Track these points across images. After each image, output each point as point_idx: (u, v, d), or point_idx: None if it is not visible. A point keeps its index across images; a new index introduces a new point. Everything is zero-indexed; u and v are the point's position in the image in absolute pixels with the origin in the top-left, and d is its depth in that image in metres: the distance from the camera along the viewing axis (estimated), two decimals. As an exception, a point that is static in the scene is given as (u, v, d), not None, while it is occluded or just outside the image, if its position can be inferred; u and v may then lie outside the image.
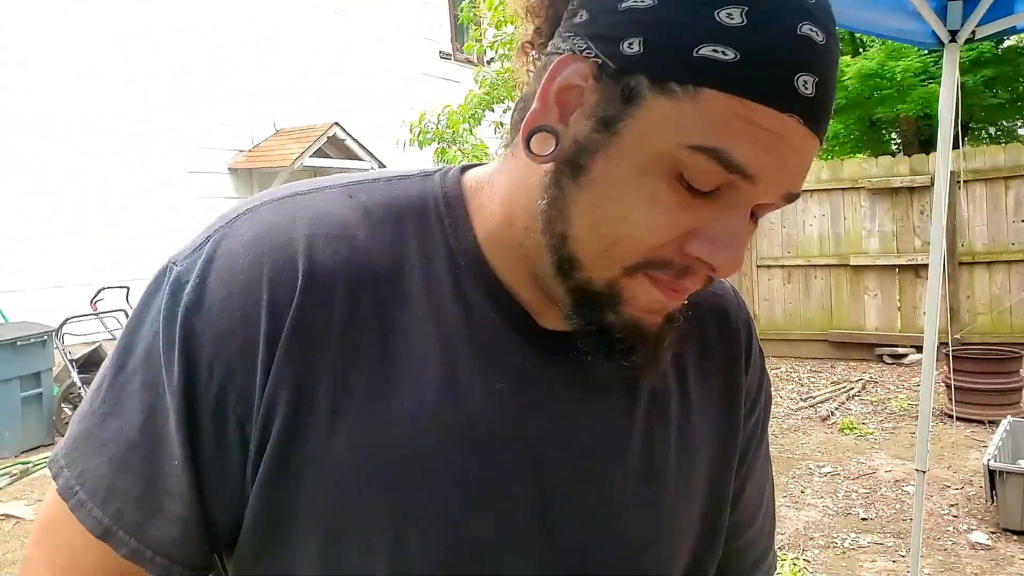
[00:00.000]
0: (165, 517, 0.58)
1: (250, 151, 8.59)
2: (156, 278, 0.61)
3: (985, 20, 2.19)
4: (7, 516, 4.51)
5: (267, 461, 0.57)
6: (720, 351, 0.73)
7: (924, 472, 2.39)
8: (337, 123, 8.61)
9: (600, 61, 0.53)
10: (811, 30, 0.51)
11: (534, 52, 0.61)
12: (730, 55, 0.50)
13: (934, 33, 2.24)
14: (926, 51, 8.65)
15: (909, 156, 8.16)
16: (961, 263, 7.31)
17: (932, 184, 7.09)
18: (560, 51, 0.56)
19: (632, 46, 0.52)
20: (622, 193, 0.54)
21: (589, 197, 0.55)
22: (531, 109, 0.56)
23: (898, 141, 12.41)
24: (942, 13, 2.22)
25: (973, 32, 2.21)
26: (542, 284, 0.61)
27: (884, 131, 12.43)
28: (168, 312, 0.58)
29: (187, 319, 0.57)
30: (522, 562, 0.61)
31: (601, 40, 0.54)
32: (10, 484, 5.03)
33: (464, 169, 0.68)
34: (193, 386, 0.57)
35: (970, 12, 2.17)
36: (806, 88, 0.51)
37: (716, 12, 0.50)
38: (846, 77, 10.20)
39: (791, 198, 0.55)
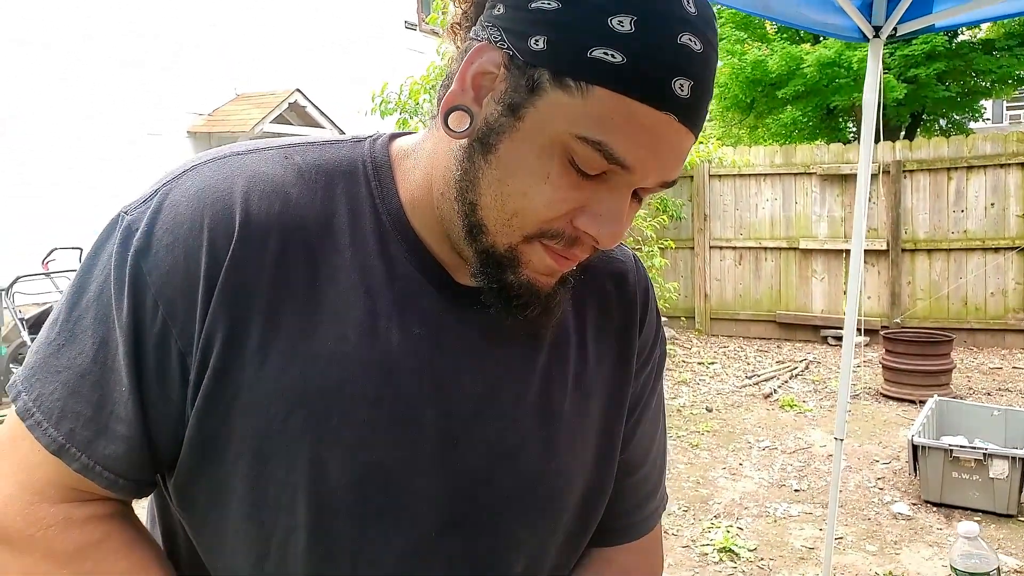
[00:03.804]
0: (112, 436, 0.66)
1: (209, 115, 8.48)
2: (109, 225, 0.67)
3: (906, 17, 2.28)
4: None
5: (204, 389, 0.65)
6: (618, 311, 0.82)
7: (842, 440, 2.55)
8: (299, 90, 8.53)
9: (511, 53, 0.61)
10: (690, 39, 0.59)
11: (461, 34, 0.68)
12: (618, 58, 0.57)
13: (859, 28, 2.33)
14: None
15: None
16: (904, 249, 7.59)
17: (880, 172, 7.35)
18: (480, 38, 0.64)
19: (538, 43, 0.59)
20: (523, 172, 0.62)
21: (495, 173, 0.63)
22: (450, 89, 0.64)
23: (854, 129, 12.70)
24: (867, 10, 2.31)
25: (895, 29, 2.30)
26: (455, 244, 0.69)
27: (841, 119, 12.70)
28: (119, 255, 0.65)
29: (136, 262, 0.64)
30: (427, 484, 0.69)
31: (513, 34, 0.61)
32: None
33: (394, 137, 0.75)
34: (140, 321, 0.64)
35: (893, 9, 2.27)
36: (682, 91, 0.59)
37: (609, 19, 0.58)
38: (806, 65, 10.39)
39: (668, 185, 0.64)
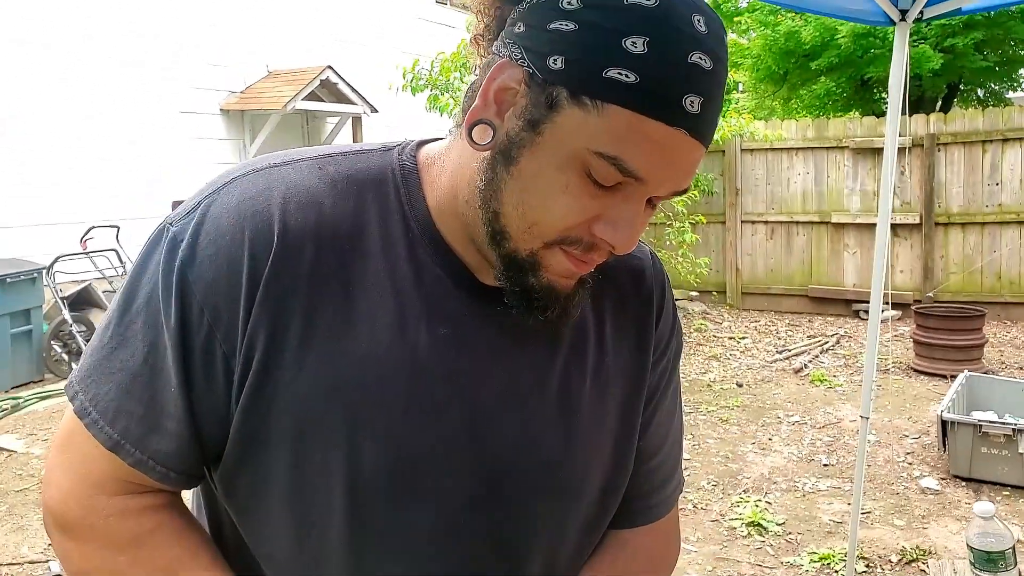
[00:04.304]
0: (163, 433, 0.71)
1: (242, 92, 8.55)
2: (155, 236, 0.72)
3: (932, 1, 2.27)
4: (0, 449, 4.65)
5: (247, 388, 0.69)
6: (635, 305, 0.85)
7: (867, 419, 2.58)
8: (330, 66, 8.57)
9: (531, 71, 0.65)
10: (700, 58, 0.62)
11: (483, 45, 0.72)
12: (632, 78, 0.61)
13: (884, 12, 2.32)
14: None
15: (895, 117, 8.25)
16: (937, 223, 7.51)
17: (913, 146, 7.25)
18: (501, 55, 0.67)
19: (556, 62, 0.63)
20: (543, 183, 0.66)
21: (517, 184, 0.67)
22: (473, 104, 0.68)
23: (888, 101, 12.44)
24: (893, -8, 2.31)
25: (921, 12, 2.29)
26: (480, 248, 0.73)
27: (876, 90, 12.45)
28: (166, 265, 0.69)
29: (182, 271, 0.68)
30: (453, 472, 0.73)
31: (533, 53, 0.65)
32: (1, 418, 5.11)
33: (421, 144, 0.79)
34: (187, 327, 0.69)
35: (920, -8, 2.26)
36: (692, 107, 0.62)
37: (623, 41, 0.61)
38: (840, 36, 10.20)
39: (680, 193, 0.68)
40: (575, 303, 0.74)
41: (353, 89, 8.88)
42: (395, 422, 0.71)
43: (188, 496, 0.82)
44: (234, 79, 8.51)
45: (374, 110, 9.10)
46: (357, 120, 9.35)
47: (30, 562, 3.35)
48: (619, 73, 0.61)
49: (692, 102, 0.62)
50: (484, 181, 0.68)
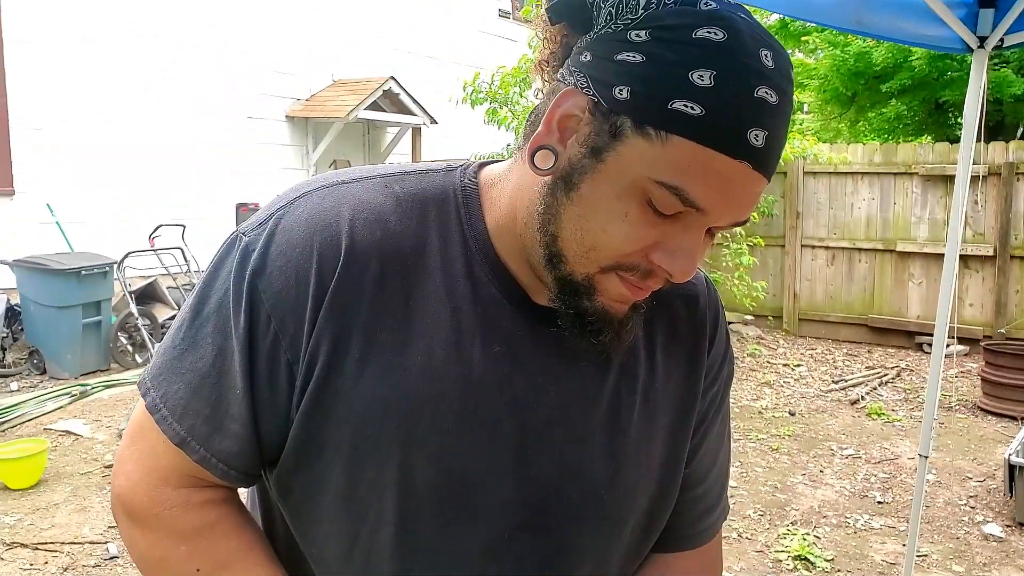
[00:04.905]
0: (227, 433, 0.74)
1: (307, 100, 8.75)
2: (228, 244, 0.75)
3: (1015, 29, 2.19)
4: (68, 432, 4.81)
5: (308, 395, 0.72)
6: (688, 331, 0.85)
7: (926, 458, 2.45)
8: (393, 77, 8.70)
9: (596, 100, 0.66)
10: (767, 93, 0.62)
11: (548, 71, 0.74)
12: (697, 110, 0.61)
13: (961, 39, 2.24)
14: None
15: (970, 143, 7.92)
16: (1013, 256, 7.17)
17: (990, 174, 6.95)
18: (567, 83, 0.68)
19: (622, 93, 0.64)
20: (602, 209, 0.66)
21: (576, 209, 0.67)
22: (537, 131, 0.69)
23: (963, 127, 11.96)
24: (972, 19, 2.22)
25: (1002, 40, 2.21)
26: (535, 269, 0.74)
27: (951, 114, 12.02)
28: (238, 273, 0.72)
29: (252, 280, 0.71)
30: (502, 489, 0.74)
31: (599, 83, 0.65)
32: (70, 403, 5.34)
33: (482, 166, 0.81)
34: (254, 333, 0.72)
35: (1001, 19, 2.17)
36: (757, 140, 0.62)
37: (690, 74, 0.62)
38: (914, 57, 9.88)
39: (741, 223, 0.68)
40: (628, 328, 0.74)
41: (414, 100, 8.99)
42: (447, 440, 0.72)
43: (243, 491, 0.85)
44: (300, 87, 8.70)
45: (434, 121, 9.19)
46: (417, 131, 9.45)
47: (90, 542, 3.45)
48: (685, 105, 0.61)
49: (757, 135, 0.62)
50: (544, 205, 0.69)
